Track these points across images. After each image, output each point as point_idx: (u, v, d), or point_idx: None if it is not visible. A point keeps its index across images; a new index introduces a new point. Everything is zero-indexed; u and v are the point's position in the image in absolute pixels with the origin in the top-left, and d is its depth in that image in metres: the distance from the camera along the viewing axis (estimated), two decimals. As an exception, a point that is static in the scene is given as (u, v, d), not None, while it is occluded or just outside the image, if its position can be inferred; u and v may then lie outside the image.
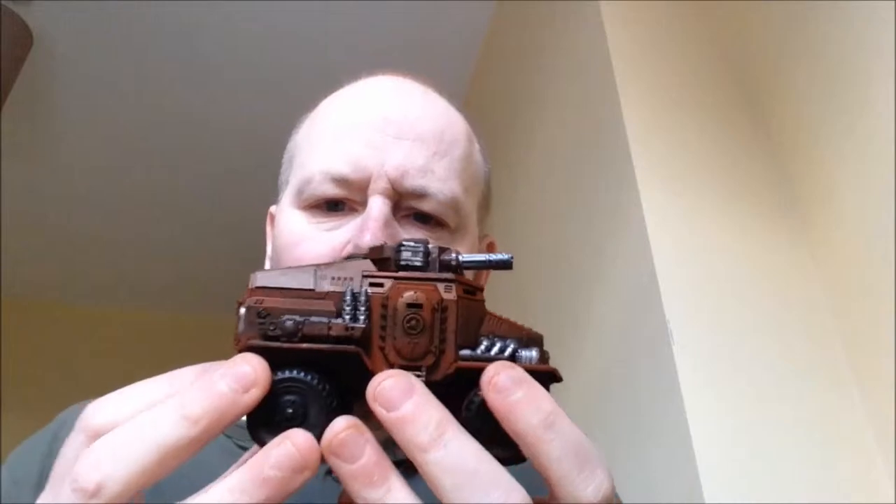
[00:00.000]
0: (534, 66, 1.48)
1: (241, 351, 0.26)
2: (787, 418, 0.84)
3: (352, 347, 0.26)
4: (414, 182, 0.46)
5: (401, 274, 0.27)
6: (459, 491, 0.23)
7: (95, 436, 0.25)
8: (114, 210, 2.35)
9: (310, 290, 0.27)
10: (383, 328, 0.26)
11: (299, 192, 0.48)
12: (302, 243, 0.47)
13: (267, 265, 0.54)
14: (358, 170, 0.46)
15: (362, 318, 0.26)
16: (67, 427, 0.51)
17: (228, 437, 0.46)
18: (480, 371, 0.26)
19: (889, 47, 0.84)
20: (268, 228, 0.57)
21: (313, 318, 0.26)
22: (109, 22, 1.76)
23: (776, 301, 0.92)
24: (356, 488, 0.23)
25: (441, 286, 0.27)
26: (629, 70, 1.08)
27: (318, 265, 0.28)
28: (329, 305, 0.26)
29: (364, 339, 0.26)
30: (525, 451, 0.25)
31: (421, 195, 0.46)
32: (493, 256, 0.29)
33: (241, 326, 0.26)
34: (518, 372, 0.25)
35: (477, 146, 0.54)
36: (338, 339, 0.26)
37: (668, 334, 0.85)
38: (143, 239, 2.49)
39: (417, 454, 0.23)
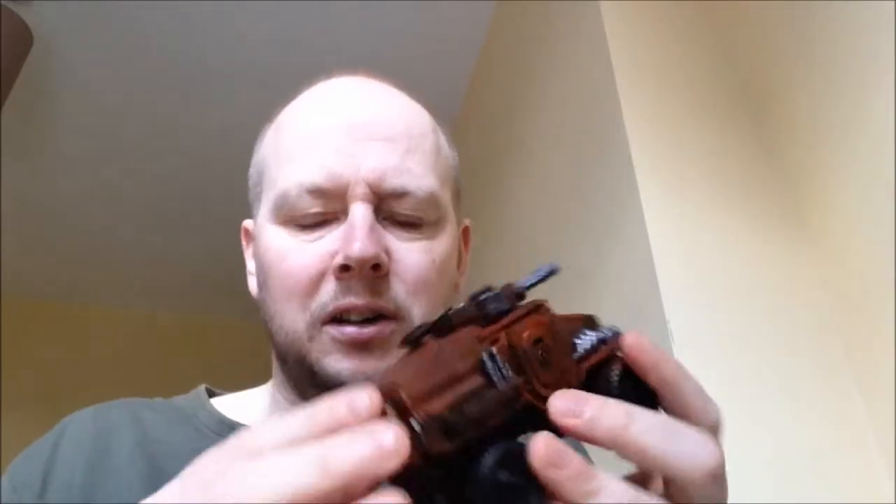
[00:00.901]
0: (534, 67, 1.48)
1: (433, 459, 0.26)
2: (787, 418, 0.84)
3: (523, 402, 0.28)
4: (393, 182, 0.46)
5: (505, 321, 0.30)
6: (664, 444, 0.28)
7: (241, 457, 0.25)
8: (114, 210, 2.35)
9: (448, 374, 0.27)
10: (523, 372, 0.28)
11: (277, 208, 0.47)
12: (287, 258, 0.46)
13: (251, 282, 0.53)
14: (333, 178, 0.45)
15: (509, 374, 0.28)
16: (67, 435, 0.50)
17: None
18: (600, 363, 0.31)
19: (889, 48, 0.84)
20: (244, 244, 0.56)
21: (477, 399, 0.27)
22: (109, 22, 1.76)
23: (776, 301, 0.92)
24: (572, 487, 0.26)
25: (538, 314, 0.30)
26: (629, 70, 1.08)
27: (429, 345, 0.29)
28: (475, 380, 0.27)
29: (519, 390, 0.28)
30: (670, 393, 0.31)
31: (401, 195, 0.46)
32: (543, 270, 0.33)
33: (423, 439, 0.25)
34: (647, 339, 0.31)
35: (442, 135, 0.54)
36: (505, 403, 0.27)
37: (668, 334, 0.85)
38: (143, 239, 2.49)
39: (612, 441, 0.28)
